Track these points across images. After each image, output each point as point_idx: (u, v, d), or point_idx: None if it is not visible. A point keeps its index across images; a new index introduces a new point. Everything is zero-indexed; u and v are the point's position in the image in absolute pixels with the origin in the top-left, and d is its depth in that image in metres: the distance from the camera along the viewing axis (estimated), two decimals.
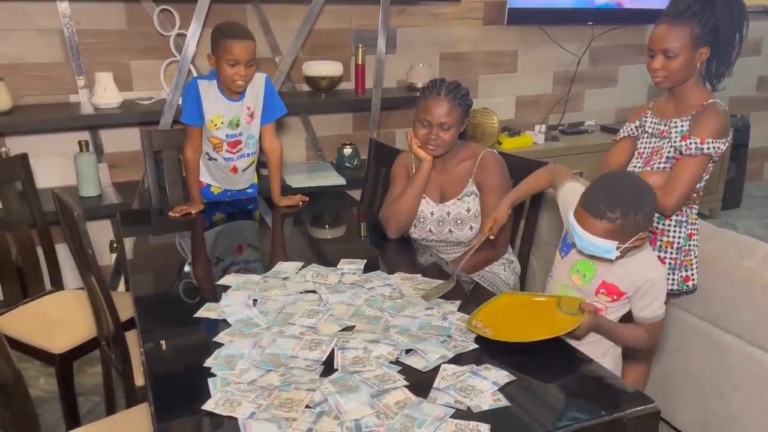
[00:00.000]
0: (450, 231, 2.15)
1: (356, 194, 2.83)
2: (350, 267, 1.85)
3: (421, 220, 2.18)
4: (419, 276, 1.82)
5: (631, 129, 2.07)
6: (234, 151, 2.38)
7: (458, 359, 1.40)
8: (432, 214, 2.17)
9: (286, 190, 2.95)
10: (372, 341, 1.44)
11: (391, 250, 2.12)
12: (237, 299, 1.64)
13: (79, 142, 2.82)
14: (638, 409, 1.25)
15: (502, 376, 1.33)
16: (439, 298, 1.67)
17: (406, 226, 2.16)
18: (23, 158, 2.27)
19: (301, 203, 2.50)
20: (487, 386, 1.29)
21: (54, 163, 2.93)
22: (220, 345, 1.43)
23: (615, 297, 1.62)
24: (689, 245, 1.96)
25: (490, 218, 1.91)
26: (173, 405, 1.26)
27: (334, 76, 3.20)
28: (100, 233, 2.97)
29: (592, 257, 1.61)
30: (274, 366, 1.35)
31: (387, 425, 1.17)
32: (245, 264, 1.96)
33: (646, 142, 2.02)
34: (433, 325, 1.53)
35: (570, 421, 1.21)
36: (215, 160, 2.40)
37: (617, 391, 1.36)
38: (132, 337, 1.84)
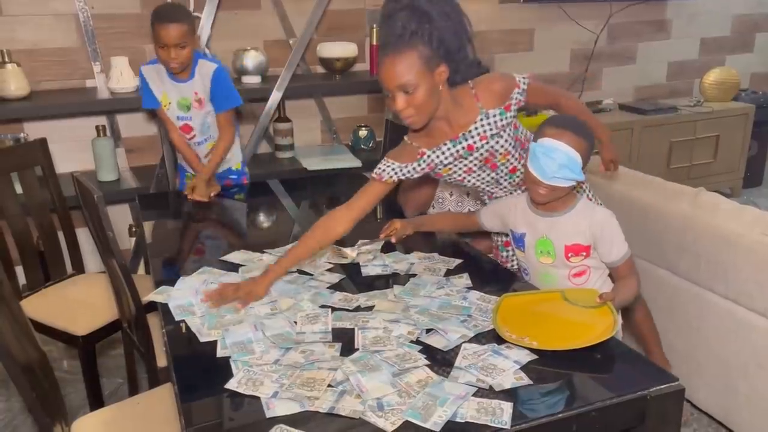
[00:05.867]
0: (470, 211, 2.14)
1: None
2: (368, 247, 1.85)
3: (440, 200, 2.16)
4: (436, 255, 1.82)
5: (409, 171, 1.79)
6: (188, 136, 2.40)
7: (479, 338, 1.40)
8: (451, 194, 2.15)
9: (303, 172, 2.95)
10: (392, 321, 1.45)
11: None
12: (191, 284, 1.64)
13: (97, 127, 2.84)
14: (662, 387, 1.24)
15: (524, 354, 1.32)
16: (457, 278, 1.67)
17: (424, 207, 2.15)
18: (42, 143, 2.28)
19: (209, 198, 2.35)
20: (508, 365, 1.29)
21: (72, 148, 2.95)
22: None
23: (585, 254, 1.65)
24: None
25: (397, 223, 1.79)
26: (196, 385, 1.27)
27: (349, 58, 3.17)
28: (119, 217, 2.99)
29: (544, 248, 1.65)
30: (293, 344, 1.36)
31: (409, 403, 1.17)
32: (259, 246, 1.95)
33: (464, 164, 1.76)
34: (452, 305, 1.53)
35: (593, 400, 1.21)
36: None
37: (641, 369, 1.35)
38: (153, 319, 1.86)
